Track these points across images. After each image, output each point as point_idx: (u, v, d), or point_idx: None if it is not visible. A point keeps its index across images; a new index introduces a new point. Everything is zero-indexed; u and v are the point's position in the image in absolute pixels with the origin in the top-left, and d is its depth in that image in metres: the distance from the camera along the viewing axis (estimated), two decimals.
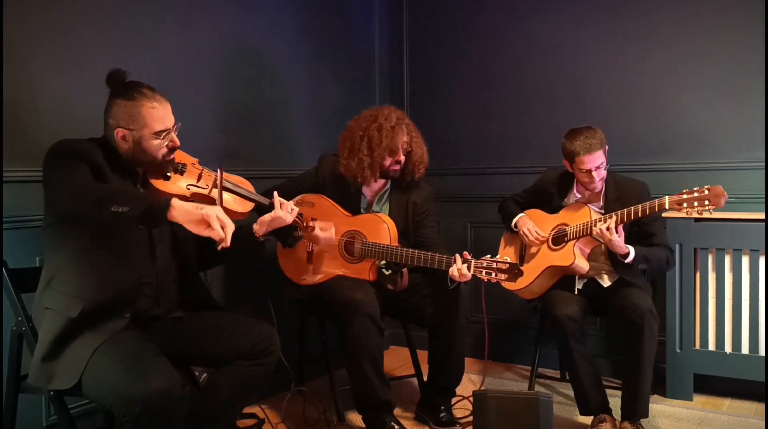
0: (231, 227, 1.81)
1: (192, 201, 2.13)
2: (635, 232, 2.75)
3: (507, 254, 3.03)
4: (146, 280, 2.01)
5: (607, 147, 2.74)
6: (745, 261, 2.99)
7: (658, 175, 3.24)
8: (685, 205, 2.47)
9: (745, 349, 2.99)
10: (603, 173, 2.75)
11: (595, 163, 2.69)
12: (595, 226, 2.62)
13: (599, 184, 2.77)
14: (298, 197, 2.81)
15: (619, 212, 2.60)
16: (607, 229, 2.57)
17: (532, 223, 2.91)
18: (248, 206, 2.23)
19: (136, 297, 1.98)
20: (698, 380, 3.08)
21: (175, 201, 1.79)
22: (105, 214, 1.74)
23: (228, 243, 1.79)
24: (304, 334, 3.04)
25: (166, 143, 1.98)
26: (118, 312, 1.93)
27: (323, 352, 2.89)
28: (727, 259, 3.02)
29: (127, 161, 1.99)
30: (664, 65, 3.28)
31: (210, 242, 2.19)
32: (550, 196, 2.95)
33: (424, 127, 2.90)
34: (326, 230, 2.63)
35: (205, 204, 1.88)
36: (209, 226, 1.78)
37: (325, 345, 2.88)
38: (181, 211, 1.78)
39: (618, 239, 2.60)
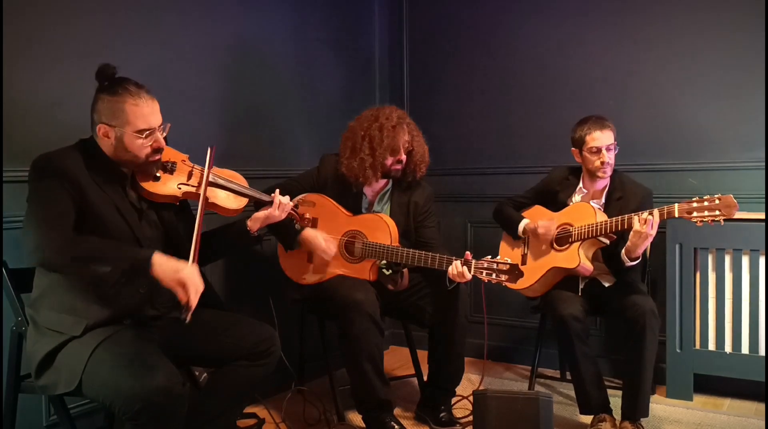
0: (200, 291, 1.84)
1: (184, 200, 2.13)
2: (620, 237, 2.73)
3: (509, 253, 3.02)
4: (143, 290, 1.99)
5: (616, 142, 2.76)
6: (745, 261, 2.98)
7: (659, 175, 3.24)
8: (695, 213, 2.44)
9: (745, 349, 2.99)
10: (613, 158, 2.75)
11: (606, 140, 2.72)
12: (640, 217, 2.51)
13: (608, 170, 2.77)
14: (300, 197, 2.80)
15: (656, 210, 2.51)
16: (650, 225, 2.49)
17: (539, 221, 2.87)
18: (242, 202, 2.20)
19: (135, 307, 1.98)
20: (698, 380, 3.08)
21: (156, 257, 1.81)
22: (83, 272, 1.79)
23: (192, 308, 1.82)
24: (304, 334, 3.04)
25: (149, 143, 1.93)
26: (118, 321, 1.93)
27: (323, 352, 2.89)
28: (727, 259, 3.02)
29: (113, 161, 1.96)
30: (664, 65, 3.28)
31: (206, 237, 2.17)
32: (555, 194, 2.95)
33: (424, 127, 2.90)
34: (328, 242, 2.66)
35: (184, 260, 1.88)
36: (182, 287, 1.82)
37: (325, 345, 2.88)
38: (162, 270, 1.82)
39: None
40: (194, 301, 1.82)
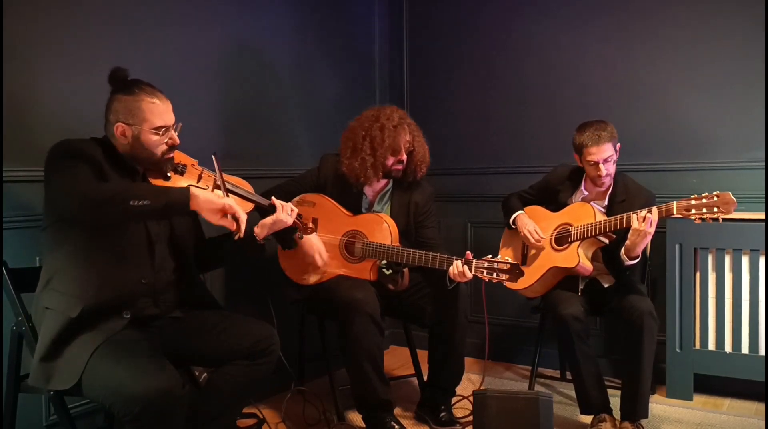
0: (245, 218, 1.92)
1: None
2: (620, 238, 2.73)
3: (508, 253, 3.02)
4: (145, 281, 2.00)
5: (619, 144, 2.74)
6: (745, 261, 2.98)
7: (659, 175, 3.24)
8: (693, 211, 2.45)
9: (745, 348, 2.99)
10: (611, 168, 2.73)
11: (603, 155, 2.68)
12: (639, 215, 2.53)
13: (607, 180, 2.76)
14: (299, 197, 2.81)
15: (654, 208, 2.53)
16: (649, 223, 2.51)
17: (532, 223, 2.90)
18: (248, 207, 2.21)
19: (135, 297, 1.98)
20: (698, 380, 3.08)
21: (194, 189, 1.85)
22: (122, 209, 1.77)
23: (242, 233, 1.91)
24: (304, 334, 3.04)
25: (165, 140, 1.98)
26: (117, 312, 1.93)
27: (323, 352, 2.89)
28: (727, 259, 3.02)
29: (127, 159, 1.99)
30: (664, 65, 3.28)
31: (211, 243, 2.19)
32: (557, 192, 2.94)
33: (425, 126, 2.89)
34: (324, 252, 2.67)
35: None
36: (225, 216, 1.88)
37: (325, 345, 2.88)
38: (204, 200, 1.86)
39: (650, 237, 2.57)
40: (241, 226, 1.90)
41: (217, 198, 1.87)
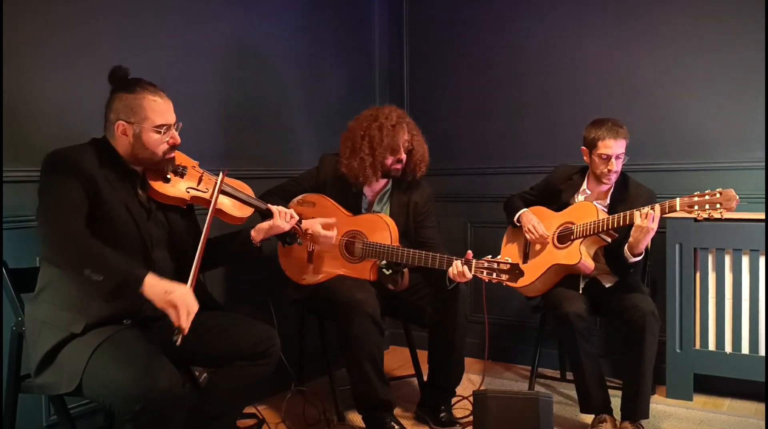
0: (193, 313, 1.82)
1: (191, 204, 2.14)
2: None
3: (510, 251, 3.02)
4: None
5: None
6: (745, 261, 2.98)
7: (659, 175, 3.24)
8: (696, 207, 2.46)
9: (745, 349, 2.99)
10: (620, 166, 2.75)
11: (618, 149, 2.71)
12: (641, 212, 2.54)
13: (613, 177, 2.77)
14: (300, 197, 2.81)
15: (657, 204, 2.55)
16: (651, 219, 2.52)
17: (536, 219, 2.90)
18: (248, 211, 2.22)
19: (137, 308, 1.97)
20: (698, 380, 3.08)
21: (148, 278, 1.80)
22: (79, 272, 1.78)
23: (185, 332, 1.80)
24: (304, 334, 3.04)
25: (166, 139, 1.98)
26: (119, 322, 1.93)
27: (323, 352, 2.89)
28: (727, 259, 3.02)
29: (127, 160, 1.99)
30: (664, 65, 3.28)
31: (209, 243, 2.19)
32: (558, 193, 2.95)
33: (424, 126, 2.89)
34: (329, 229, 2.59)
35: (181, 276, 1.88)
36: (173, 309, 1.80)
37: (325, 345, 2.88)
38: (152, 291, 1.80)
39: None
40: (186, 324, 1.80)
41: (165, 293, 1.79)
